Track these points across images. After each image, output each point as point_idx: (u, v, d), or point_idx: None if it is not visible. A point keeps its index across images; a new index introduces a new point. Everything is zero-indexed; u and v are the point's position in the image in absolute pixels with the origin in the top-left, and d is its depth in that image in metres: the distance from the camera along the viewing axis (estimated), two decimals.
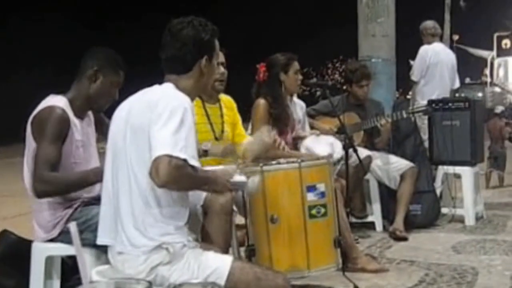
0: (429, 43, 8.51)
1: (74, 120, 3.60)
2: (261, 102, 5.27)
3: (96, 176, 3.46)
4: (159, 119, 2.85)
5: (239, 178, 3.22)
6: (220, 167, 3.47)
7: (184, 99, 2.96)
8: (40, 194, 3.48)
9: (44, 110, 3.53)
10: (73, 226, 2.61)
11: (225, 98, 4.74)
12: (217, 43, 3.23)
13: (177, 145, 2.80)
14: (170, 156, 2.77)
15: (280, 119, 5.26)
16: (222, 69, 4.51)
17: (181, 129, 2.83)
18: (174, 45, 3.11)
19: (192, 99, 3.18)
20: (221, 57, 4.47)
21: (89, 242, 3.26)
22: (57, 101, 3.59)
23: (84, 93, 3.69)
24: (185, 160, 2.80)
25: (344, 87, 6.78)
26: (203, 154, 4.02)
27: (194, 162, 2.87)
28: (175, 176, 2.78)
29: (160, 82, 3.15)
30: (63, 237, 3.50)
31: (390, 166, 6.36)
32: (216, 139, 4.46)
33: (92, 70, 3.68)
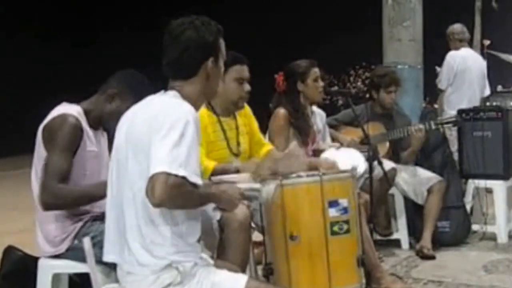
0: (457, 48, 8.49)
1: (87, 129, 3.65)
2: (281, 111, 5.28)
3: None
4: (159, 132, 2.83)
5: (252, 185, 3.21)
6: (229, 177, 3.40)
7: (186, 110, 2.92)
8: (47, 206, 3.51)
9: (57, 118, 3.57)
10: (87, 242, 2.63)
11: None
12: (222, 42, 3.18)
13: (176, 161, 2.76)
14: (168, 174, 2.73)
15: (301, 130, 5.27)
16: (248, 86, 4.44)
17: (181, 143, 2.80)
18: (176, 49, 3.06)
19: (198, 107, 3.17)
20: (246, 73, 4.44)
21: (99, 259, 3.29)
22: (70, 109, 3.64)
23: (99, 108, 3.75)
24: (184, 178, 2.77)
25: (368, 96, 6.77)
26: (235, 172, 3.96)
27: (196, 178, 2.84)
28: (171, 196, 2.75)
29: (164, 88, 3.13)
30: (71, 253, 3.53)
31: (417, 180, 6.35)
32: (234, 154, 4.44)
33: (112, 91, 3.74)
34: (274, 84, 5.45)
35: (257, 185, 3.22)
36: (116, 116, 3.56)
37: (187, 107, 2.94)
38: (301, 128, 5.29)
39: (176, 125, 2.82)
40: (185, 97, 3.04)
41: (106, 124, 3.77)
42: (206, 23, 3.11)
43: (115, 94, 3.75)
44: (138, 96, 3.29)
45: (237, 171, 3.93)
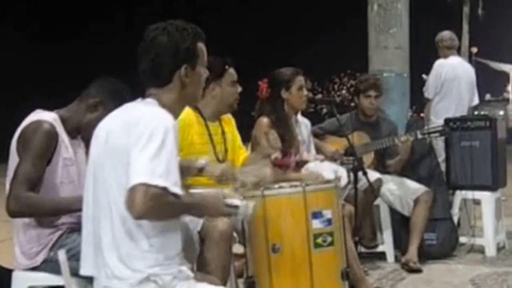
0: (445, 56, 8.52)
1: (63, 136, 3.64)
2: (264, 120, 5.30)
3: (81, 204, 3.48)
4: (138, 143, 2.81)
5: (231, 200, 3.22)
6: (212, 190, 3.41)
7: (166, 117, 2.91)
8: (13, 214, 3.50)
9: (31, 124, 3.57)
10: (62, 254, 2.63)
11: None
12: (201, 47, 3.14)
13: (155, 171, 2.74)
14: (147, 185, 2.71)
15: (284, 140, 5.29)
16: (239, 88, 4.59)
17: (161, 152, 2.79)
18: (149, 55, 3.05)
19: (177, 115, 3.17)
20: (234, 75, 4.58)
21: (75, 272, 3.28)
22: (45, 115, 3.63)
23: (79, 118, 3.74)
24: (165, 189, 2.75)
25: (353, 104, 6.80)
26: (197, 173, 4.00)
27: (177, 189, 2.81)
28: (152, 207, 2.73)
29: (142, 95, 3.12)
30: (46, 265, 3.52)
31: (403, 191, 6.38)
32: (219, 161, 4.46)
33: (94, 101, 3.74)
34: (257, 91, 5.47)
35: (236, 202, 3.21)
36: (96, 125, 3.57)
37: (165, 115, 2.93)
38: (283, 137, 5.30)
39: (155, 134, 2.81)
40: (163, 104, 3.04)
41: (85, 133, 3.76)
42: (181, 28, 3.08)
43: (97, 104, 3.75)
44: (119, 105, 3.31)
45: (200, 170, 3.95)
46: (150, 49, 3.05)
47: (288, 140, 5.34)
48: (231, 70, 4.55)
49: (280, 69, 5.51)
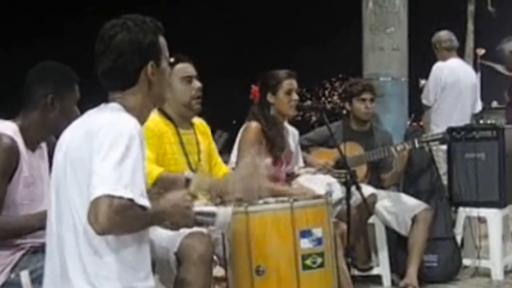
0: (444, 59, 8.51)
1: (23, 151, 3.66)
2: (253, 125, 5.34)
3: (41, 222, 3.48)
4: (100, 151, 2.82)
5: (207, 208, 3.22)
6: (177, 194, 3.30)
7: (130, 124, 2.92)
8: None
9: None
10: (24, 276, 2.65)
11: (198, 122, 4.79)
12: (162, 41, 3.16)
13: (120, 181, 2.76)
14: (111, 197, 2.73)
15: (275, 144, 5.32)
16: (197, 83, 4.57)
17: (125, 160, 2.80)
18: (109, 56, 3.05)
19: (145, 118, 3.18)
20: (190, 69, 4.58)
21: None
22: (5, 127, 3.65)
23: (40, 123, 3.76)
24: (131, 200, 2.77)
25: (344, 111, 6.82)
26: (185, 186, 4.02)
27: (144, 200, 2.84)
28: (117, 222, 2.75)
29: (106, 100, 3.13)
30: None
31: (400, 208, 6.39)
32: (193, 171, 4.49)
33: (47, 99, 3.75)
34: (250, 94, 5.54)
35: (212, 208, 3.23)
36: (65, 117, 3.59)
37: (129, 120, 2.95)
38: (275, 141, 5.33)
39: (118, 142, 2.83)
40: (128, 109, 3.05)
41: (56, 131, 3.75)
42: (141, 22, 3.09)
43: (53, 100, 3.76)
44: (71, 84, 3.53)
45: (188, 182, 3.97)
46: (110, 49, 3.05)
47: (279, 145, 5.37)
48: (179, 66, 4.50)
49: (274, 70, 5.55)
